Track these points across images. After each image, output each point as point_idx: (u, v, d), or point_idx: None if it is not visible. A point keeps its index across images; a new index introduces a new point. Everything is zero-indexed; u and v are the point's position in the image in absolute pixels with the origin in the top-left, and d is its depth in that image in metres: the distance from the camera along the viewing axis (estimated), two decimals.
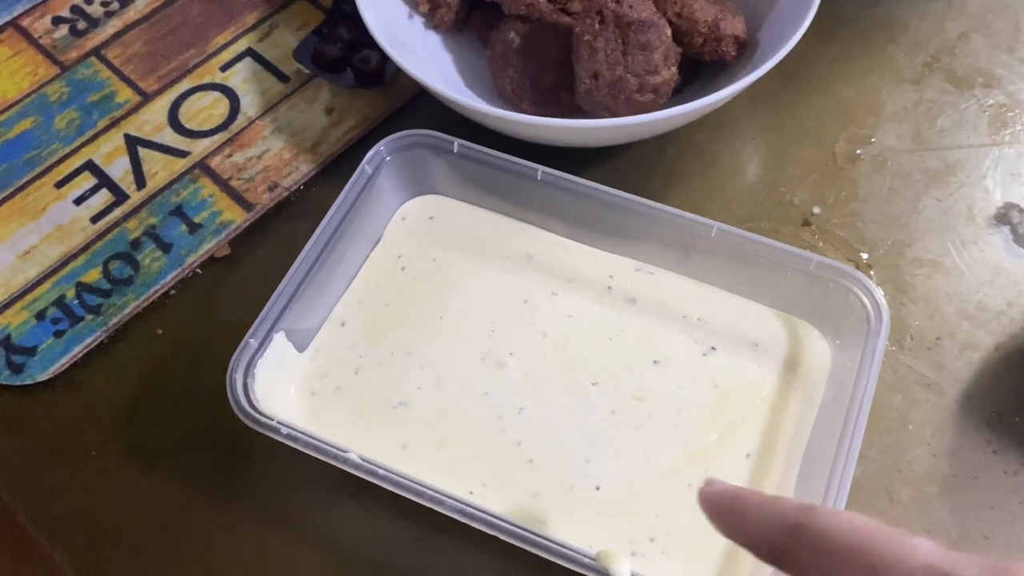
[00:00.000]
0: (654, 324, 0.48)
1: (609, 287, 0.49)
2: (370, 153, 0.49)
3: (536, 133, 0.49)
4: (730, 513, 0.30)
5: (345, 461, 0.41)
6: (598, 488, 0.44)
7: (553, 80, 0.53)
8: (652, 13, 0.49)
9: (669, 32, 0.49)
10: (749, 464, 0.44)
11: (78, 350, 0.52)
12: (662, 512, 0.43)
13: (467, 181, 0.51)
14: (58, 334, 0.52)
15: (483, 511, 0.40)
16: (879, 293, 0.45)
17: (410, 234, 0.51)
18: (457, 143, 0.49)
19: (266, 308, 0.45)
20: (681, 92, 0.55)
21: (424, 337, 0.48)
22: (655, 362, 0.47)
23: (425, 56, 0.56)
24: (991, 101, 0.60)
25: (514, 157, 0.49)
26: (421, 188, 0.53)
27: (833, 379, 0.46)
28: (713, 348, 0.47)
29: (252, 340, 0.44)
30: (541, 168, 0.48)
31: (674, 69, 0.50)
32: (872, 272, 0.54)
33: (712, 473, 0.44)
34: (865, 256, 0.55)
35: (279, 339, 0.45)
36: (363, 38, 0.61)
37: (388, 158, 0.49)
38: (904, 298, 0.53)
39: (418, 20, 0.59)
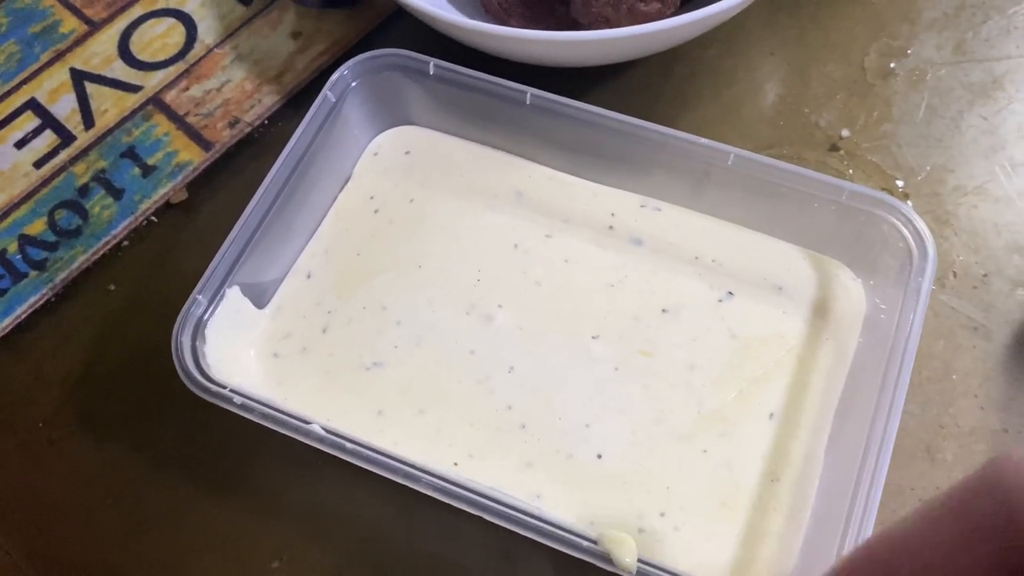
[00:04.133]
0: (663, 267, 0.42)
1: (611, 227, 0.44)
2: (333, 78, 0.43)
3: (527, 50, 0.43)
4: None
5: (308, 434, 0.36)
6: (600, 456, 0.39)
7: None
8: None
9: None
10: (773, 425, 0.39)
11: (22, 310, 0.47)
12: (674, 483, 0.38)
13: (446, 109, 0.45)
14: None
15: (467, 488, 0.35)
16: (921, 224, 0.39)
17: (383, 172, 0.45)
18: (433, 63, 0.43)
19: (216, 259, 0.40)
20: (690, 1, 0.48)
21: (401, 289, 0.43)
22: (664, 311, 0.41)
23: None
24: None
25: (500, 79, 0.43)
26: (394, 118, 0.47)
27: (868, 326, 0.41)
28: (730, 293, 0.42)
29: (200, 297, 0.39)
30: (531, 90, 0.42)
31: None
32: (909, 202, 0.48)
33: (730, 437, 0.38)
34: (901, 184, 0.49)
35: (233, 294, 0.40)
36: None
37: (354, 83, 0.44)
38: (946, 230, 0.47)
39: None
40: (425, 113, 0.46)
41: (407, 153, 0.46)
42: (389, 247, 0.44)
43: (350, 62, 0.43)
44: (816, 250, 0.43)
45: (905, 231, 0.39)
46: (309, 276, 0.43)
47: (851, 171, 0.50)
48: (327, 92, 0.43)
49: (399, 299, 0.43)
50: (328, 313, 0.42)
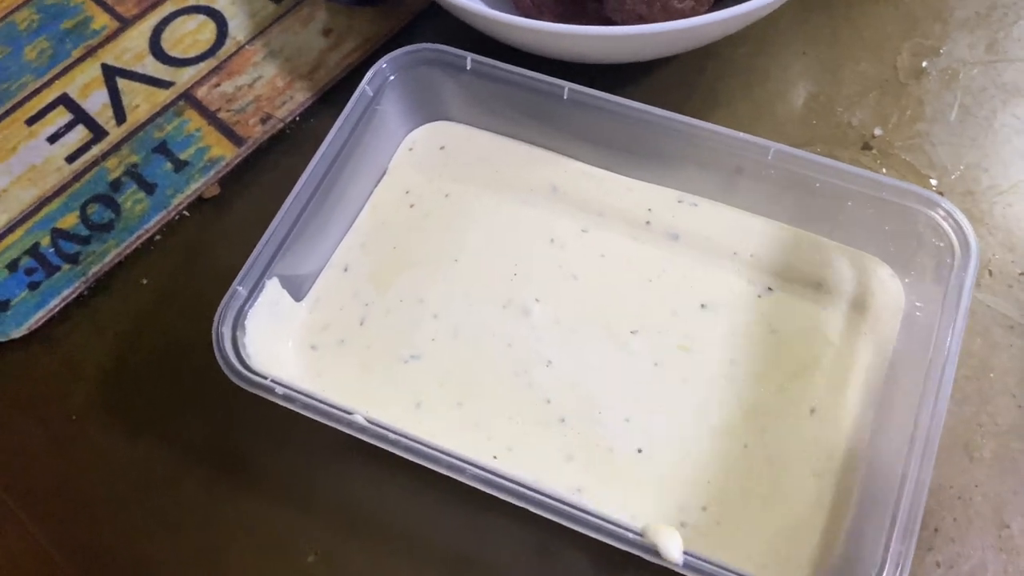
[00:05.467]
0: (700, 262, 0.42)
1: (648, 222, 0.43)
2: (370, 72, 0.43)
3: (560, 45, 0.43)
4: None
5: (350, 424, 0.36)
6: (640, 451, 0.38)
7: None
8: None
9: None
10: (815, 421, 0.38)
11: (55, 303, 0.47)
12: (715, 477, 0.38)
13: (482, 104, 0.45)
14: (32, 286, 0.47)
15: (508, 478, 0.34)
16: (963, 218, 0.39)
17: (419, 166, 0.45)
18: (471, 59, 0.43)
19: (255, 252, 0.40)
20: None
21: (438, 281, 0.43)
22: (703, 306, 0.41)
23: None
24: None
25: (537, 73, 0.43)
26: (430, 113, 0.46)
27: (907, 322, 0.40)
28: (769, 289, 0.42)
29: (240, 288, 0.39)
30: (568, 85, 0.42)
31: None
32: (942, 196, 0.47)
33: (771, 431, 0.38)
34: (935, 183, 0.49)
35: (272, 287, 0.40)
36: None
37: (392, 78, 0.43)
38: (981, 229, 0.47)
39: None
40: (461, 108, 0.46)
41: (442, 148, 0.46)
42: (425, 241, 0.44)
43: (388, 56, 0.43)
44: (854, 246, 0.43)
45: (946, 226, 0.39)
46: (346, 269, 0.43)
47: (884, 170, 0.50)
48: (365, 86, 0.43)
49: (436, 292, 0.43)
50: (365, 305, 0.42)
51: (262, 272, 0.39)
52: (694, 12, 0.45)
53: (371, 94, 0.43)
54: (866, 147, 0.50)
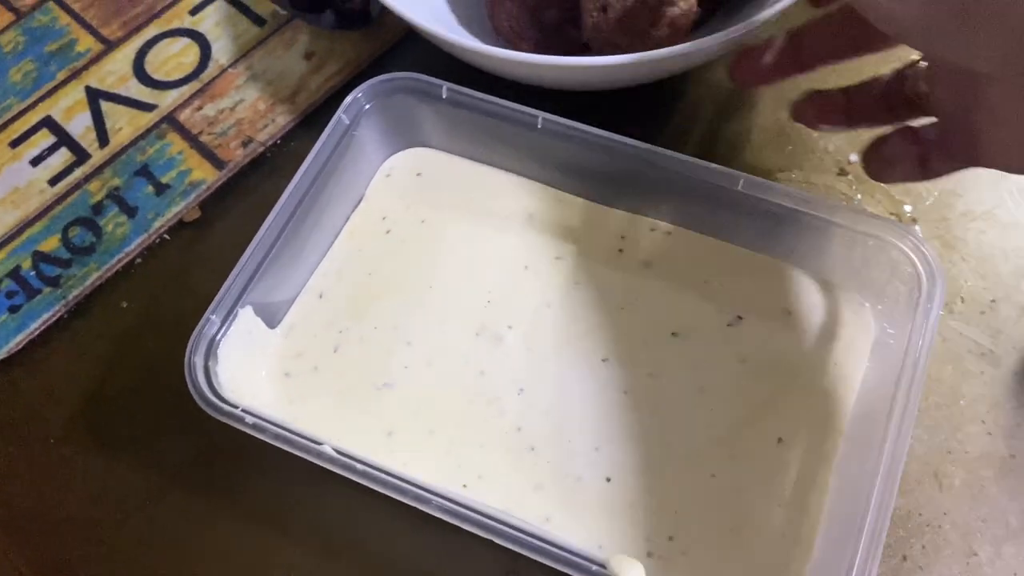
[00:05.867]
0: (671, 291, 0.43)
1: (620, 249, 0.44)
2: (347, 100, 0.43)
3: (539, 74, 0.43)
4: None
5: (319, 455, 0.36)
6: (609, 479, 0.39)
7: (556, 15, 0.47)
8: None
9: None
10: (783, 450, 0.39)
11: (35, 327, 0.47)
12: (682, 506, 0.38)
13: (458, 131, 0.45)
14: (13, 309, 0.48)
15: (476, 510, 0.35)
16: (931, 250, 0.39)
17: (396, 192, 0.46)
18: (446, 87, 0.43)
19: (230, 279, 0.40)
20: (702, 24, 0.48)
21: (412, 309, 0.43)
22: (673, 334, 0.41)
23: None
24: None
25: (511, 103, 0.43)
26: (407, 140, 0.47)
27: (876, 351, 0.41)
28: (739, 317, 0.42)
29: (213, 317, 0.39)
30: (542, 115, 0.42)
31: (694, 1, 0.44)
32: (917, 226, 0.48)
33: (739, 461, 0.38)
34: (909, 209, 0.49)
35: (246, 314, 0.40)
36: None
37: (368, 106, 0.44)
38: (953, 255, 0.47)
39: None
40: (438, 135, 0.46)
41: (419, 175, 0.46)
42: (401, 268, 0.44)
43: (364, 85, 0.44)
44: (825, 275, 0.43)
45: (914, 257, 0.39)
46: (321, 296, 0.44)
47: (859, 196, 0.50)
48: (341, 115, 0.43)
49: (410, 320, 0.43)
50: (339, 333, 0.43)
51: (236, 300, 0.40)
52: (671, 41, 0.45)
53: (347, 122, 0.43)
54: (842, 172, 0.50)
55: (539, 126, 0.43)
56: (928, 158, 0.39)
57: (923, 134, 0.39)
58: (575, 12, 0.46)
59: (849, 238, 0.41)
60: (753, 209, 0.42)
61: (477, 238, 0.44)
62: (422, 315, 0.43)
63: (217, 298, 0.40)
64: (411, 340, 0.42)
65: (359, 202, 0.46)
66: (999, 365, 0.44)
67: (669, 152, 0.42)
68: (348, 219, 0.45)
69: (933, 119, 0.38)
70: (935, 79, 0.36)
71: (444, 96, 0.43)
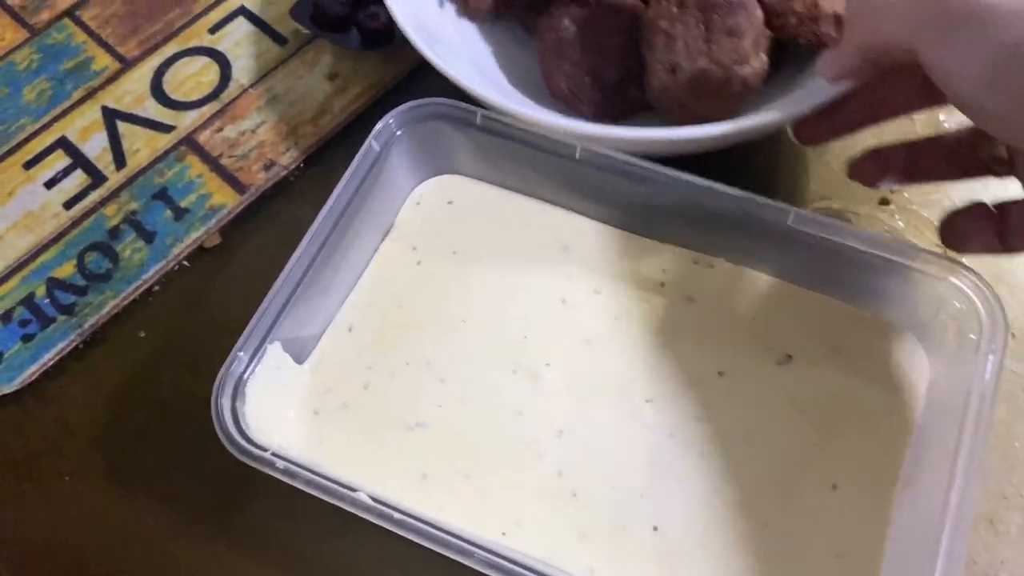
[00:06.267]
0: (717, 328, 0.41)
1: (662, 283, 0.42)
2: (378, 127, 0.41)
3: (611, 145, 0.41)
4: None
5: (354, 503, 0.34)
6: (656, 528, 0.36)
7: (618, 74, 0.44)
8: None
9: (760, 13, 0.41)
10: (837, 497, 0.37)
11: (49, 357, 0.45)
12: (733, 557, 0.36)
13: (492, 158, 0.43)
14: (27, 338, 0.46)
15: (519, 563, 0.32)
16: (990, 291, 0.37)
17: (426, 222, 0.44)
18: (481, 114, 0.41)
19: (257, 315, 0.38)
20: (770, 78, 0.45)
21: (444, 344, 0.41)
22: (720, 374, 0.39)
23: (460, 49, 0.47)
24: None
25: (549, 129, 0.41)
26: (438, 167, 0.45)
27: (932, 392, 0.38)
28: (788, 356, 0.40)
29: (242, 354, 0.37)
30: (580, 144, 0.40)
31: (765, 57, 0.41)
32: (964, 258, 0.46)
33: (792, 508, 0.36)
34: None
35: (274, 351, 0.38)
36: None
37: (399, 132, 0.42)
38: (1002, 288, 0.45)
39: (450, 7, 0.50)
40: (470, 162, 0.44)
41: (450, 203, 0.44)
42: (432, 300, 0.42)
43: (395, 111, 0.42)
44: (877, 312, 0.41)
45: (973, 295, 0.37)
46: (350, 329, 0.42)
47: (902, 224, 0.48)
48: (372, 141, 0.41)
49: (442, 354, 0.41)
50: (369, 368, 0.40)
51: (264, 337, 0.38)
52: (742, 99, 0.43)
53: (377, 149, 0.41)
54: (884, 202, 0.49)
55: (577, 156, 0.41)
56: (1007, 233, 0.38)
57: (1004, 212, 0.38)
58: (638, 71, 0.43)
59: (901, 274, 0.39)
60: (801, 243, 0.40)
61: (511, 270, 0.42)
62: (455, 350, 0.41)
63: (245, 334, 0.38)
64: (444, 377, 0.40)
65: (388, 231, 0.44)
66: None
67: (713, 184, 0.40)
68: (377, 249, 0.43)
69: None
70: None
71: (478, 122, 0.42)
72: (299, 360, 0.40)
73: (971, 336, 0.37)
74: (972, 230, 0.39)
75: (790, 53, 0.47)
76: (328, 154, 0.51)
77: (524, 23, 0.50)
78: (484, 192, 0.44)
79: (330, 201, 0.40)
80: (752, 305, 0.41)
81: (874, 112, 0.40)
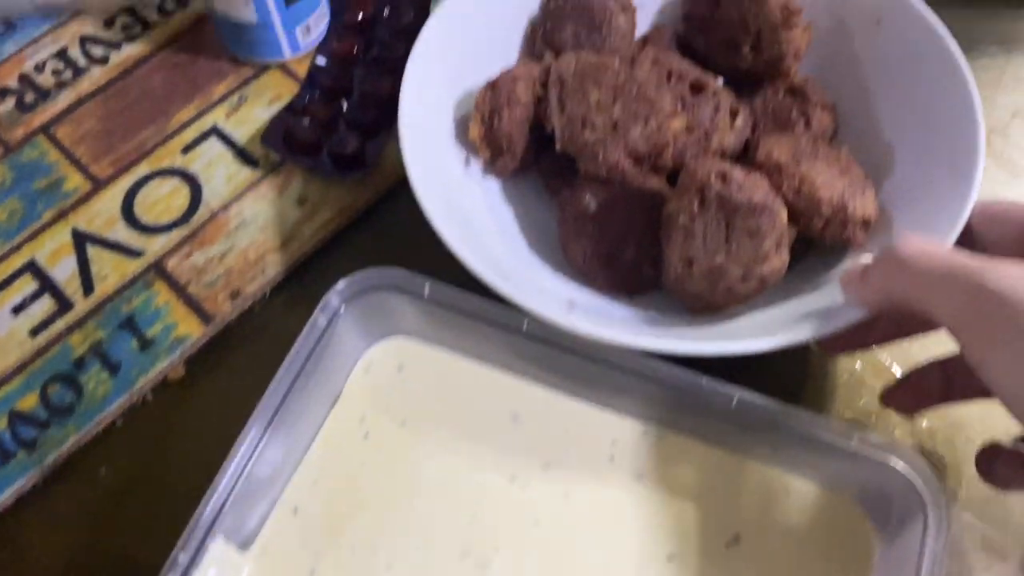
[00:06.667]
0: (666, 506, 0.36)
1: (611, 456, 0.38)
2: (322, 303, 0.37)
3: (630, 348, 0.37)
4: None
5: None
6: None
7: (635, 253, 0.40)
8: (765, 194, 0.36)
9: (784, 215, 0.37)
10: None
11: (7, 495, 0.41)
12: None
13: (441, 324, 0.39)
14: None
15: None
16: (930, 470, 0.33)
17: (375, 390, 0.39)
18: (428, 285, 0.37)
19: (199, 511, 0.34)
20: (791, 267, 0.40)
21: (392, 527, 0.37)
22: (669, 558, 0.35)
23: (480, 216, 0.43)
24: None
25: (495, 303, 0.36)
26: (387, 328, 0.40)
27: (882, 567, 0.34)
28: (738, 536, 0.35)
29: (182, 556, 0.33)
30: (527, 318, 0.36)
31: (786, 255, 0.37)
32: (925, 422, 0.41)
33: None
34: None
35: (216, 547, 0.33)
36: (339, 115, 0.49)
37: (342, 309, 0.37)
38: (958, 437, 0.41)
39: (475, 165, 0.45)
40: (419, 326, 0.40)
41: (399, 369, 0.40)
42: (380, 478, 0.38)
43: (339, 286, 0.37)
44: (829, 488, 0.37)
45: (915, 475, 0.34)
46: (296, 511, 0.37)
47: (858, 365, 0.44)
48: (319, 315, 0.37)
49: (390, 539, 0.36)
50: (315, 555, 0.36)
51: (205, 532, 0.33)
52: (757, 293, 0.38)
53: (324, 324, 0.37)
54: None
55: (524, 329, 0.36)
56: None
57: None
58: (655, 251, 0.40)
59: (847, 452, 0.35)
60: (749, 420, 0.35)
61: (461, 443, 0.38)
62: (403, 534, 0.36)
63: (186, 533, 0.34)
64: (391, 564, 0.36)
65: (336, 400, 0.39)
66: (1007, 558, 0.38)
67: (663, 365, 0.36)
68: (324, 420, 0.39)
69: None
70: None
71: (426, 295, 0.37)
72: (244, 545, 0.36)
73: (915, 510, 0.34)
74: (1010, 476, 0.35)
75: (814, 244, 0.42)
76: (294, 284, 0.47)
77: (545, 182, 0.46)
78: (434, 357, 0.40)
79: (276, 378, 0.36)
80: (701, 480, 0.37)
81: (902, 329, 0.36)
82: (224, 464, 0.34)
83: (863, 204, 0.39)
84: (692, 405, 0.36)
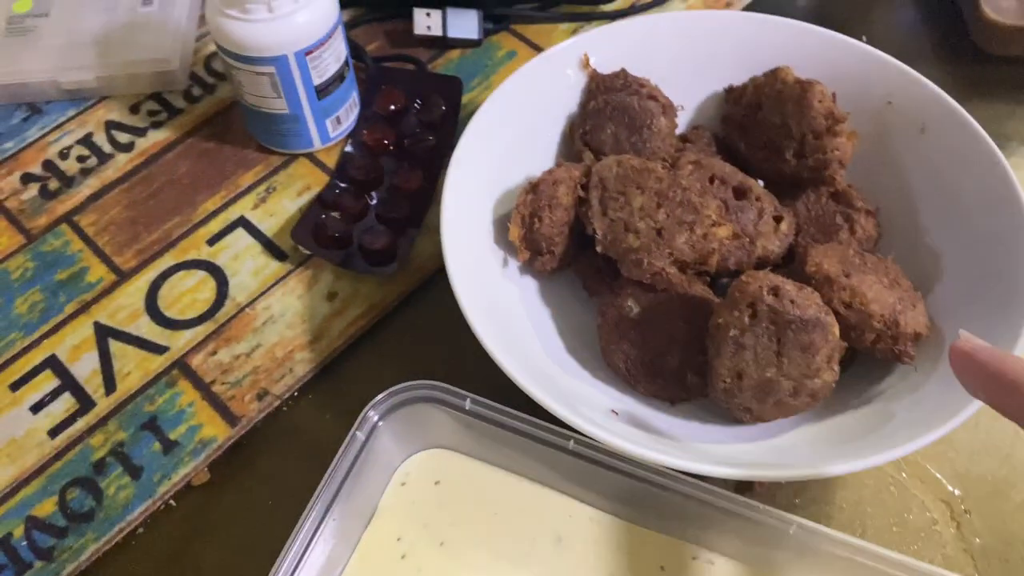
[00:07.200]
0: None
1: None
2: (360, 418, 0.36)
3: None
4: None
5: None
6: None
7: (678, 361, 0.40)
8: (818, 309, 0.35)
9: (837, 330, 0.36)
10: None
11: None
12: None
13: (482, 437, 0.37)
14: None
15: None
16: None
17: (412, 506, 0.38)
18: (470, 400, 0.35)
19: None
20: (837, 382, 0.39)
21: None
22: None
23: (517, 318, 0.43)
24: None
25: (541, 422, 0.35)
26: (425, 441, 0.39)
27: None
28: None
29: None
30: (574, 436, 0.35)
31: (837, 370, 0.37)
32: (970, 516, 0.40)
33: None
34: (959, 494, 0.42)
35: None
36: (369, 209, 0.48)
37: (381, 421, 0.36)
38: (1010, 553, 0.39)
39: (513, 265, 0.45)
40: (458, 438, 0.39)
41: (437, 483, 0.39)
42: None
43: (377, 400, 0.36)
44: None
45: None
46: None
47: (905, 475, 0.42)
48: (356, 432, 0.36)
49: None
50: None
51: None
52: (807, 407, 0.38)
53: (363, 439, 0.35)
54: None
55: (571, 447, 0.35)
56: None
57: None
58: (699, 359, 0.39)
59: None
60: (806, 551, 0.34)
61: (501, 568, 0.36)
62: None
63: None
64: None
65: (372, 517, 0.38)
66: None
67: (717, 490, 0.34)
68: (360, 539, 0.37)
69: None
70: None
71: (467, 408, 0.36)
72: None
73: None
74: None
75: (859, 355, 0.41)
76: (323, 381, 0.46)
77: (585, 284, 0.45)
78: (474, 471, 0.38)
79: (312, 499, 0.35)
80: None
81: None
82: None
83: (914, 318, 0.38)
84: (745, 531, 0.35)
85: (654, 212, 0.40)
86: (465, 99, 0.53)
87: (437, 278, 0.48)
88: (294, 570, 0.33)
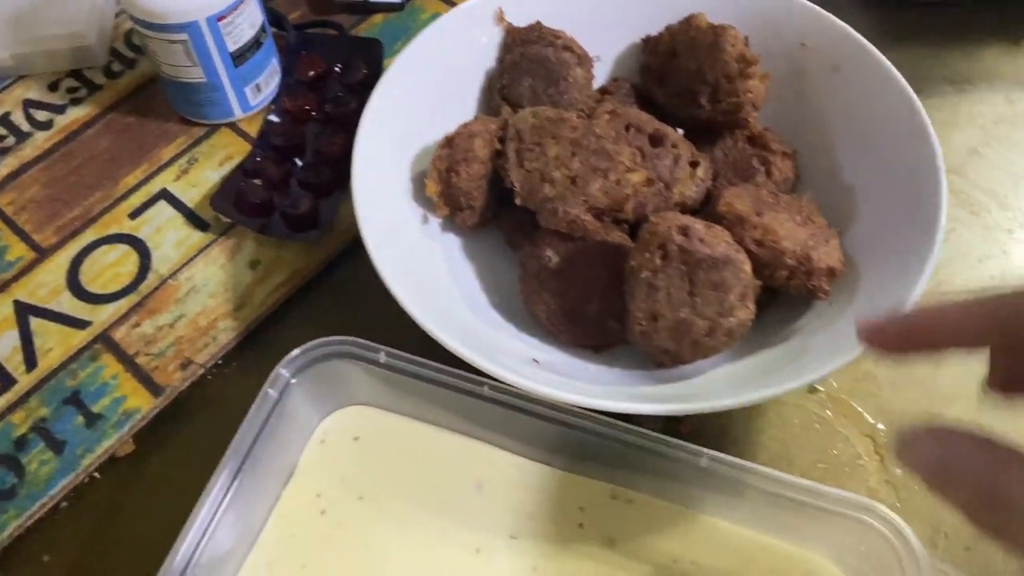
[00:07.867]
0: (637, 572, 0.35)
1: (581, 524, 0.36)
2: (272, 375, 0.36)
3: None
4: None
5: None
6: None
7: (598, 308, 0.40)
8: (728, 247, 0.36)
9: (749, 268, 0.36)
10: None
11: None
12: None
13: (399, 391, 0.37)
14: None
15: None
16: (911, 534, 0.32)
17: (331, 463, 0.38)
18: (384, 353, 0.35)
19: None
20: (757, 319, 0.39)
21: None
22: None
23: (439, 276, 0.43)
24: None
25: (455, 369, 0.35)
26: (343, 398, 0.39)
27: None
28: None
29: None
30: (488, 381, 0.35)
31: (752, 307, 0.37)
32: (898, 470, 0.40)
33: None
34: (883, 428, 0.42)
35: None
36: (292, 175, 0.48)
37: (299, 375, 0.36)
38: None
39: (434, 222, 0.45)
40: (376, 393, 0.39)
41: (356, 439, 0.38)
42: (338, 557, 0.36)
43: (289, 357, 0.36)
44: (802, 547, 0.36)
45: (887, 533, 0.33)
46: None
47: (829, 413, 0.43)
48: (268, 389, 0.35)
49: None
50: None
51: None
52: (725, 347, 0.38)
53: (275, 396, 0.35)
54: (812, 390, 0.44)
55: (485, 393, 0.35)
56: None
57: None
58: (619, 305, 0.39)
59: (820, 512, 0.35)
60: (719, 481, 0.34)
61: (422, 517, 0.37)
62: None
63: None
64: None
65: (291, 475, 0.38)
66: None
67: (628, 427, 0.35)
68: (279, 498, 0.37)
69: None
70: None
71: (382, 361, 0.36)
72: None
73: (892, 567, 0.33)
74: None
75: (779, 295, 0.41)
76: (248, 350, 0.46)
77: (508, 238, 0.45)
78: (393, 425, 0.38)
79: (225, 457, 0.34)
80: (672, 545, 0.36)
81: None
82: (172, 549, 0.33)
83: (827, 254, 0.38)
84: (661, 467, 0.35)
85: (569, 161, 0.40)
86: (387, 63, 0.53)
87: (358, 244, 0.48)
88: (205, 530, 0.33)
